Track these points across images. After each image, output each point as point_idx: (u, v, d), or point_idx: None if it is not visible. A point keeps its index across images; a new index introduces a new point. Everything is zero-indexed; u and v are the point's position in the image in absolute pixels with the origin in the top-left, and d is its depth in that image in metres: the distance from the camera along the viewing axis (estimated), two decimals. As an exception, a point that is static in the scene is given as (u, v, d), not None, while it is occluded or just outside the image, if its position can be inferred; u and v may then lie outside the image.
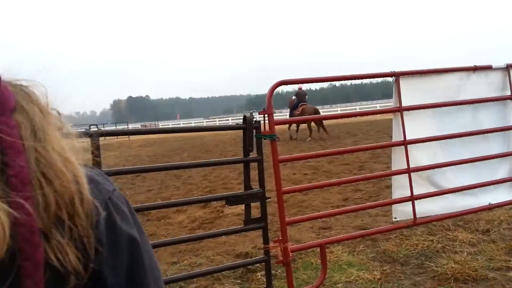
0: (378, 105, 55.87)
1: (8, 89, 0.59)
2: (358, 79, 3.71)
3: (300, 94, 19.44)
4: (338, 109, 56.07)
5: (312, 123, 18.09)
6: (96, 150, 2.78)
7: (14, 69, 0.63)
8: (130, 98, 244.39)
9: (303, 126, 19.63)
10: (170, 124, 71.26)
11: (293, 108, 18.91)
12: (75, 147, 0.65)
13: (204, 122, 65.54)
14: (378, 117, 28.19)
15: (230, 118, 60.97)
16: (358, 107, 60.76)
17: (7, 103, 0.58)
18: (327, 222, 5.06)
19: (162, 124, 72.98)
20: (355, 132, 18.79)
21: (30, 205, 0.53)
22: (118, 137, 34.79)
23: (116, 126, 55.32)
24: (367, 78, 3.72)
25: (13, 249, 0.51)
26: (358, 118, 31.31)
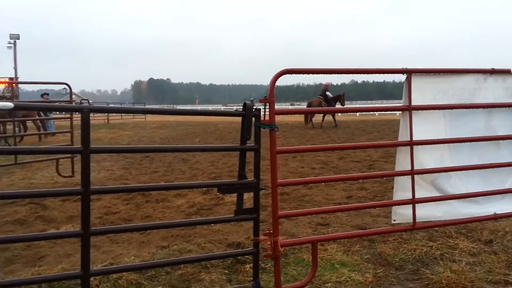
0: (399, 104, 54.97)
1: None
2: (366, 73, 3.54)
3: (323, 89, 21.18)
4: (358, 106, 55.75)
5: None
6: (85, 125, 2.68)
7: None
8: (151, 79, 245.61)
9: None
10: (188, 108, 71.66)
11: None
12: None
13: (222, 109, 65.70)
14: (397, 116, 27.81)
15: (248, 107, 60.86)
16: (377, 105, 60.09)
17: None
18: (326, 219, 4.93)
19: (180, 108, 73.37)
20: (371, 130, 18.56)
21: None
22: (135, 116, 35.11)
23: (133, 105, 55.80)
24: (376, 73, 3.56)
25: None
26: (376, 117, 30.99)
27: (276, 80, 3.23)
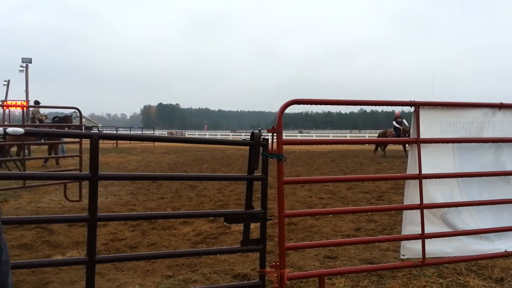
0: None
1: None
2: (372, 105, 3.56)
3: (393, 118, 21.72)
4: (366, 135, 56.32)
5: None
6: (94, 152, 2.71)
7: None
8: (160, 104, 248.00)
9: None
10: (196, 134, 72.61)
11: None
12: None
13: (230, 135, 66.17)
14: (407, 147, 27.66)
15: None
16: (386, 135, 60.67)
17: None
18: (334, 251, 4.85)
19: (188, 133, 74.11)
20: (380, 161, 18.47)
21: None
22: (143, 142, 35.36)
23: (142, 131, 56.69)
24: (382, 105, 3.57)
25: None
26: (387, 147, 30.79)
27: (284, 110, 3.26)
